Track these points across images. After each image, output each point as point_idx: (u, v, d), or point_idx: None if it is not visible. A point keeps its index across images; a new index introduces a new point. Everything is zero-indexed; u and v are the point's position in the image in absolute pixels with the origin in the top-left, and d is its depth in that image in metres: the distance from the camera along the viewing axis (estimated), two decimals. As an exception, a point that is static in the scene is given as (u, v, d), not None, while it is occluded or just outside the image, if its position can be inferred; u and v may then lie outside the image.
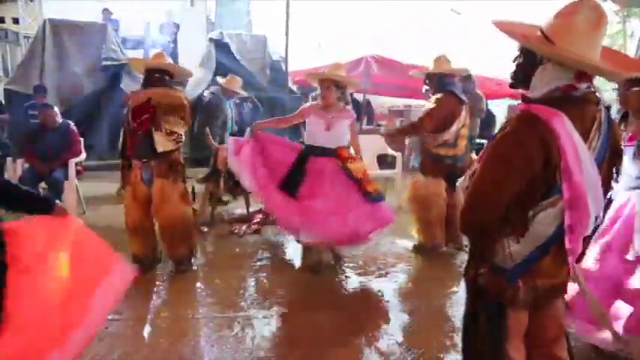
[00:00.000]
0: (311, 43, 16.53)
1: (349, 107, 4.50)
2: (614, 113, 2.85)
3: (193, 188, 5.37)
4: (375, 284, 4.14)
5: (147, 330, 3.20)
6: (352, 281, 4.21)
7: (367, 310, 3.64)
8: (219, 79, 6.96)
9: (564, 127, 1.59)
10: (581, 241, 1.71)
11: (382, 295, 3.90)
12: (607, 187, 1.79)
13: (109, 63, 9.17)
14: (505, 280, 1.74)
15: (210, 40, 10.56)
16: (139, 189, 4.07)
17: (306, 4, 14.45)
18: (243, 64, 10.38)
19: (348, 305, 3.70)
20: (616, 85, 3.04)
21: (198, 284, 4.08)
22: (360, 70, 9.05)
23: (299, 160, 4.25)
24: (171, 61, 4.33)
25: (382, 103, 11.92)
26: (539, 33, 1.69)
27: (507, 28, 1.70)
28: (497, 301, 1.79)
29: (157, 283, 4.06)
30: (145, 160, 4.04)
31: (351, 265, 4.57)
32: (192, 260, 4.42)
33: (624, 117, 2.97)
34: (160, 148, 3.97)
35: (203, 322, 3.35)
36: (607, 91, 4.21)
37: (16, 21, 13.06)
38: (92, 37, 9.24)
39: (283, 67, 10.34)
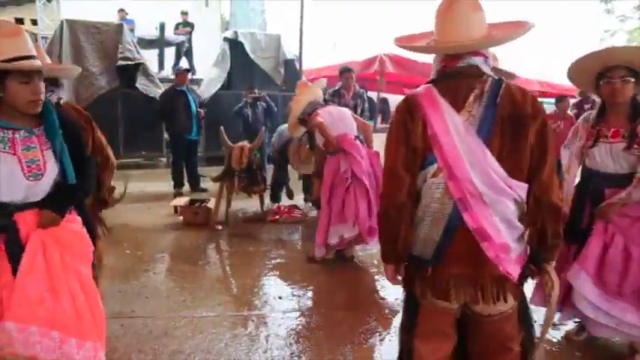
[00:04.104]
0: (325, 42, 16.52)
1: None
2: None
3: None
4: (390, 283, 4.11)
5: (161, 328, 3.21)
6: (367, 280, 4.19)
7: (382, 309, 3.62)
8: None
9: (430, 98, 1.73)
10: (491, 221, 1.66)
11: (397, 294, 3.87)
12: (512, 154, 1.69)
13: (124, 63, 9.26)
14: (418, 270, 1.80)
15: (225, 39, 10.60)
16: None
17: (320, 2, 14.45)
18: (257, 63, 10.41)
19: (363, 304, 3.68)
20: None
21: (213, 283, 4.10)
22: (374, 68, 9.00)
23: None
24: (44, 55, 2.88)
25: (397, 101, 11.85)
26: None
27: (406, 43, 1.95)
28: (412, 298, 1.90)
29: (171, 281, 4.08)
30: None
31: (366, 264, 4.56)
32: None
33: (601, 111, 2.82)
34: None
35: (217, 320, 3.35)
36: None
37: (34, 22, 13.25)
38: (108, 37, 9.34)
39: (297, 66, 10.34)
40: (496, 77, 1.75)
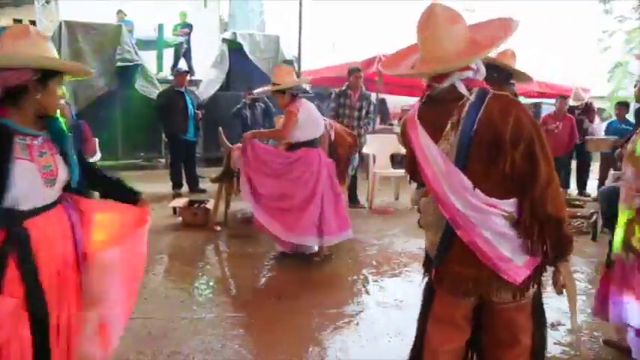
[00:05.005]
0: (324, 43, 16.52)
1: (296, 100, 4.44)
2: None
3: None
4: (390, 284, 4.12)
5: (159, 329, 3.21)
6: (366, 281, 4.19)
7: (382, 309, 3.62)
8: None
9: (413, 126, 1.81)
10: (484, 238, 1.69)
11: (396, 295, 3.87)
12: (493, 176, 1.70)
13: (123, 64, 9.26)
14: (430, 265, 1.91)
15: (224, 40, 10.59)
16: None
17: (319, 3, 14.44)
18: (256, 64, 10.40)
19: (363, 305, 3.68)
20: None
21: (211, 283, 4.09)
22: (373, 69, 9.01)
23: None
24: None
25: (395, 102, 11.87)
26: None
27: (391, 69, 2.02)
28: (430, 285, 1.99)
29: (169, 282, 4.08)
30: None
31: (364, 264, 4.56)
32: None
33: None
34: None
35: (216, 321, 3.35)
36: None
37: (33, 23, 13.23)
38: (107, 38, 9.33)
39: (296, 67, 10.34)
40: (473, 99, 1.72)
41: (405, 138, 1.93)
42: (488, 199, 1.69)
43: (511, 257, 1.71)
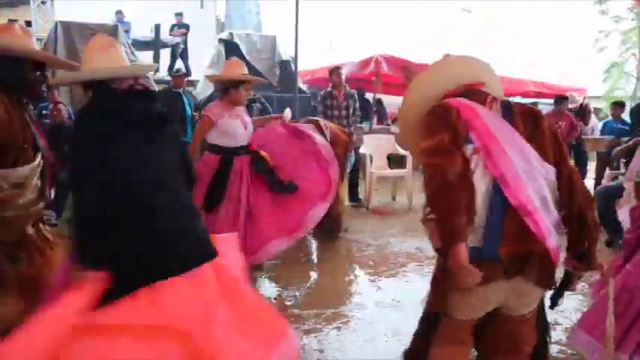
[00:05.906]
0: (321, 43, 16.54)
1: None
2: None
3: None
4: (386, 284, 4.12)
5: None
6: (363, 281, 4.19)
7: (380, 309, 3.62)
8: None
9: (459, 101, 1.82)
10: (530, 197, 1.68)
11: (393, 295, 3.87)
12: (536, 139, 1.80)
13: (120, 64, 9.24)
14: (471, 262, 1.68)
15: (220, 40, 10.58)
16: None
17: (316, 3, 14.45)
18: (252, 65, 10.40)
19: (360, 305, 3.68)
20: None
21: (209, 284, 4.08)
22: (370, 69, 9.02)
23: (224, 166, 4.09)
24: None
25: (392, 102, 11.87)
26: None
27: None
28: (432, 307, 1.93)
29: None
30: None
31: (362, 264, 4.56)
32: None
33: None
34: None
35: (213, 322, 3.34)
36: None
37: (28, 24, 13.21)
38: (103, 38, 9.31)
39: (293, 67, 10.35)
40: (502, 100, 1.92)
41: (442, 109, 1.82)
42: (538, 155, 1.76)
43: (551, 229, 1.71)
